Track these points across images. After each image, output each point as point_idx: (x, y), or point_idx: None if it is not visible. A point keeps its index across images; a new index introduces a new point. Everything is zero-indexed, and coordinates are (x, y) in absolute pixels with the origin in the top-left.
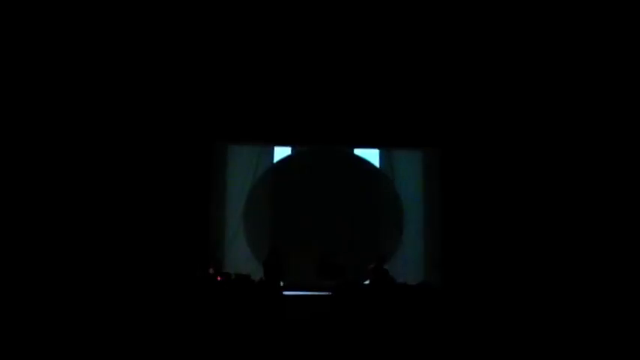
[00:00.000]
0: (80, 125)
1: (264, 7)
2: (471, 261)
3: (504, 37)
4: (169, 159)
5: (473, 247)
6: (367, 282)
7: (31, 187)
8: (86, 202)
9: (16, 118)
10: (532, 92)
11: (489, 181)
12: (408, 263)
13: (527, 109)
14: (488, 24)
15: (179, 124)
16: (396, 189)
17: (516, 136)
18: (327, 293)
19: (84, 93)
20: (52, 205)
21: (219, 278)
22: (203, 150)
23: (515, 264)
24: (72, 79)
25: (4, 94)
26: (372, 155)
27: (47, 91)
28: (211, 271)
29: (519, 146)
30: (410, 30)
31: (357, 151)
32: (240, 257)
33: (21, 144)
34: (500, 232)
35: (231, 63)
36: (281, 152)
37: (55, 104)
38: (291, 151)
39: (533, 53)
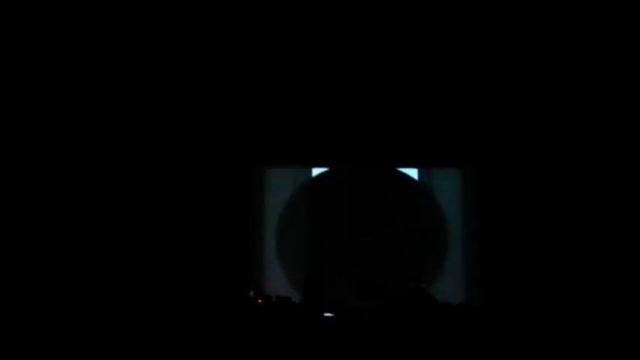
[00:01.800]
0: (124, 150)
1: (295, 31)
2: (512, 279)
3: (539, 57)
4: (208, 183)
5: (514, 265)
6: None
7: (61, 208)
8: (129, 225)
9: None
10: (574, 109)
11: (530, 198)
12: (448, 282)
13: (569, 126)
14: (522, 44)
15: (217, 149)
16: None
17: (556, 152)
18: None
19: (123, 118)
20: (89, 222)
21: (260, 301)
22: (241, 174)
23: (557, 283)
24: (113, 107)
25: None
26: (409, 173)
27: (77, 109)
28: (252, 293)
29: (560, 163)
30: (445, 52)
31: None
32: (279, 279)
33: (51, 163)
34: (542, 249)
35: (266, 85)
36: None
37: (90, 125)
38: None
39: (572, 73)
